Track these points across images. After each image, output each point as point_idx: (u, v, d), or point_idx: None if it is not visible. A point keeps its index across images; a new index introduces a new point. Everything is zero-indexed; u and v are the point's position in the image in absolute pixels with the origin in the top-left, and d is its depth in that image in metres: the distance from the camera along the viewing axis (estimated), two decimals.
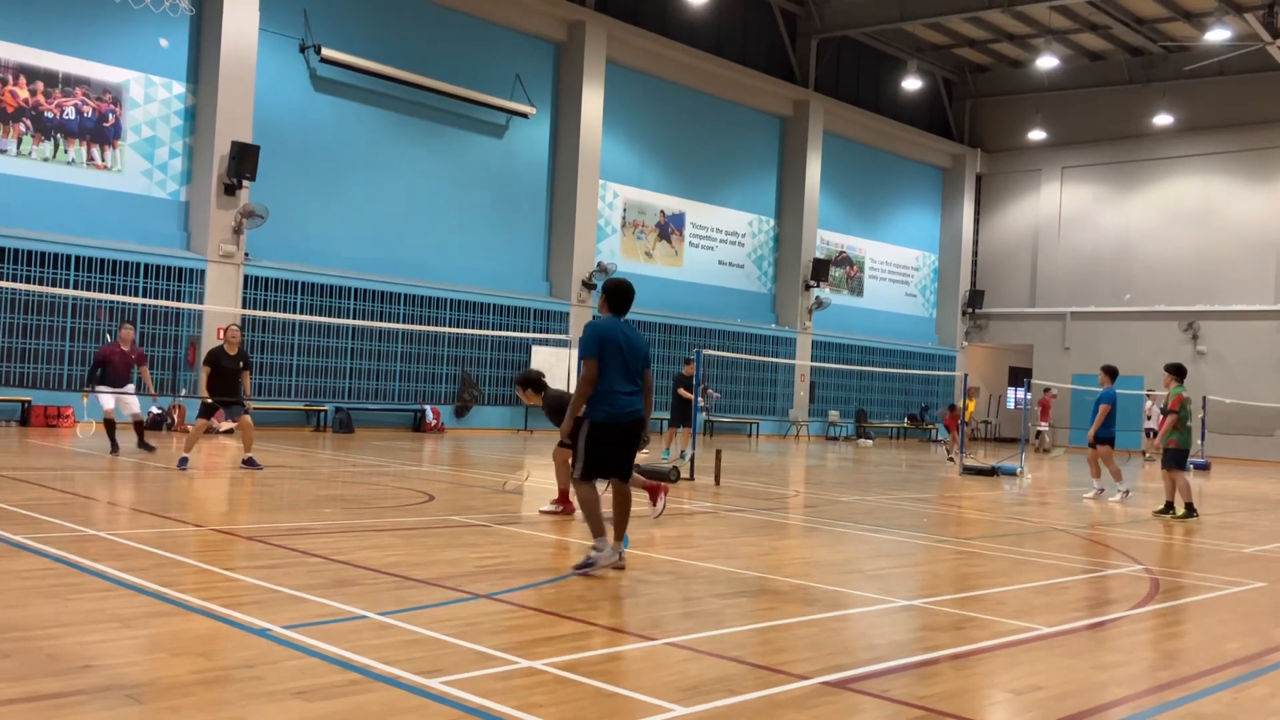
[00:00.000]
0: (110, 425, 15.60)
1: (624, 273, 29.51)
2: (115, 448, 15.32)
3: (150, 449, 15.57)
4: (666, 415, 21.10)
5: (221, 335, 15.27)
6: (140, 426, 15.78)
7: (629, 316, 7.99)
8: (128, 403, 15.60)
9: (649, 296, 30.18)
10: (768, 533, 10.68)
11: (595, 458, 7.66)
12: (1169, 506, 13.82)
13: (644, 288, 30.45)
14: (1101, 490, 16.24)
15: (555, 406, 10.76)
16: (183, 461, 13.37)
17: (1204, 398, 30.23)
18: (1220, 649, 6.39)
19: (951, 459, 27.64)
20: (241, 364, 13.93)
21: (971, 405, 29.21)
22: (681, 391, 20.30)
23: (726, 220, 32.98)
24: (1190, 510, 13.66)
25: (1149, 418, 30.81)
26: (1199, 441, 28.54)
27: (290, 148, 23.31)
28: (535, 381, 11.16)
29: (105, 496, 10.76)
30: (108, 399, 15.56)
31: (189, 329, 21.90)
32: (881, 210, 38.51)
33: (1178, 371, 14.28)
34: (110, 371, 15.36)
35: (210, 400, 13.85)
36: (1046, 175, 39.35)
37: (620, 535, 7.86)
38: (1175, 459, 13.93)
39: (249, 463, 13.81)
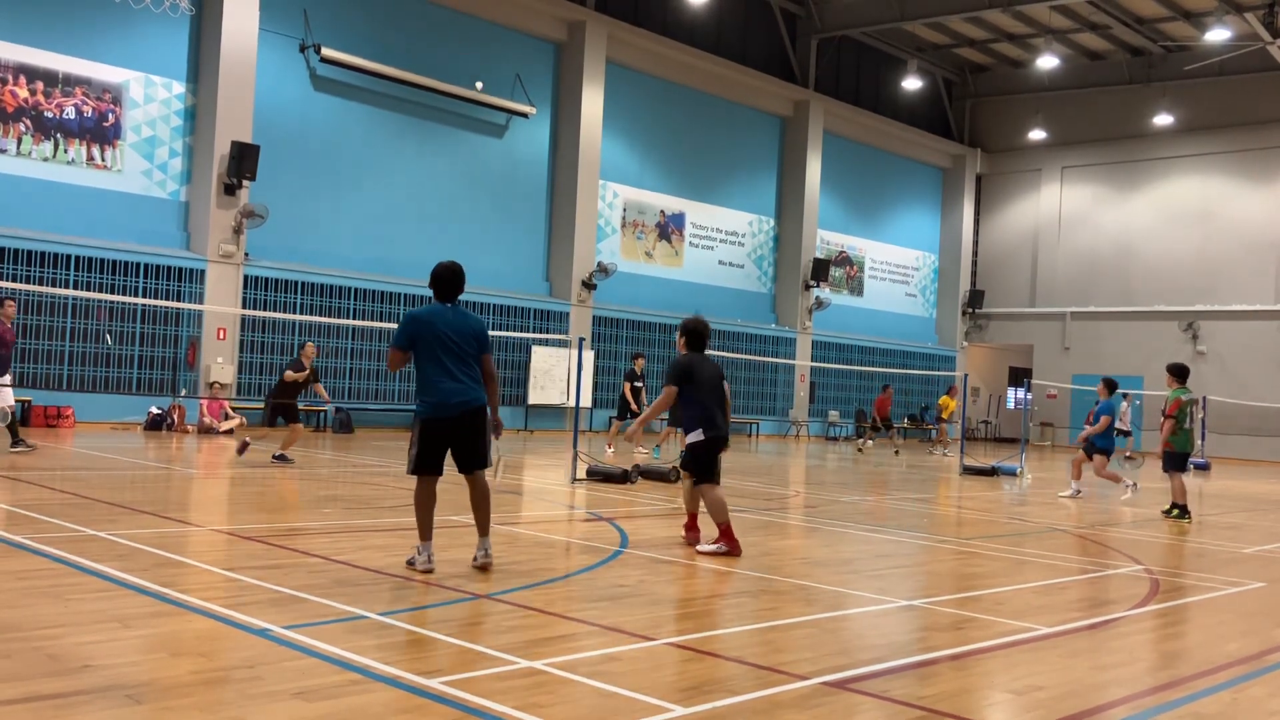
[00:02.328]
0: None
1: (624, 273, 29.54)
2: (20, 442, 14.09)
3: (31, 448, 14.19)
4: (666, 415, 21.08)
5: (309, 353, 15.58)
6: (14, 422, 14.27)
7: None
8: (6, 393, 14.17)
9: (649, 297, 30.21)
10: (768, 533, 10.68)
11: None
12: (1174, 507, 13.76)
13: (644, 288, 30.81)
14: (1079, 492, 16.17)
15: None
16: (281, 456, 14.75)
17: (1204, 398, 30.22)
18: (1220, 649, 6.39)
19: (860, 450, 27.82)
20: (313, 377, 15.37)
21: (952, 404, 29.23)
22: None
23: (726, 220, 32.98)
24: (1183, 511, 13.59)
25: (1121, 419, 30.87)
26: (1199, 441, 28.56)
27: (290, 148, 23.30)
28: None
29: (105, 496, 10.76)
30: (7, 391, 14.18)
31: (189, 329, 21.90)
32: (881, 210, 38.51)
33: (1178, 373, 14.17)
34: (5, 354, 13.96)
35: (281, 403, 15.06)
36: (1046, 175, 39.34)
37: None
38: (1171, 461, 13.88)
39: (280, 458, 14.76)
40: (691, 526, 9.32)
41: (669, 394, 9.01)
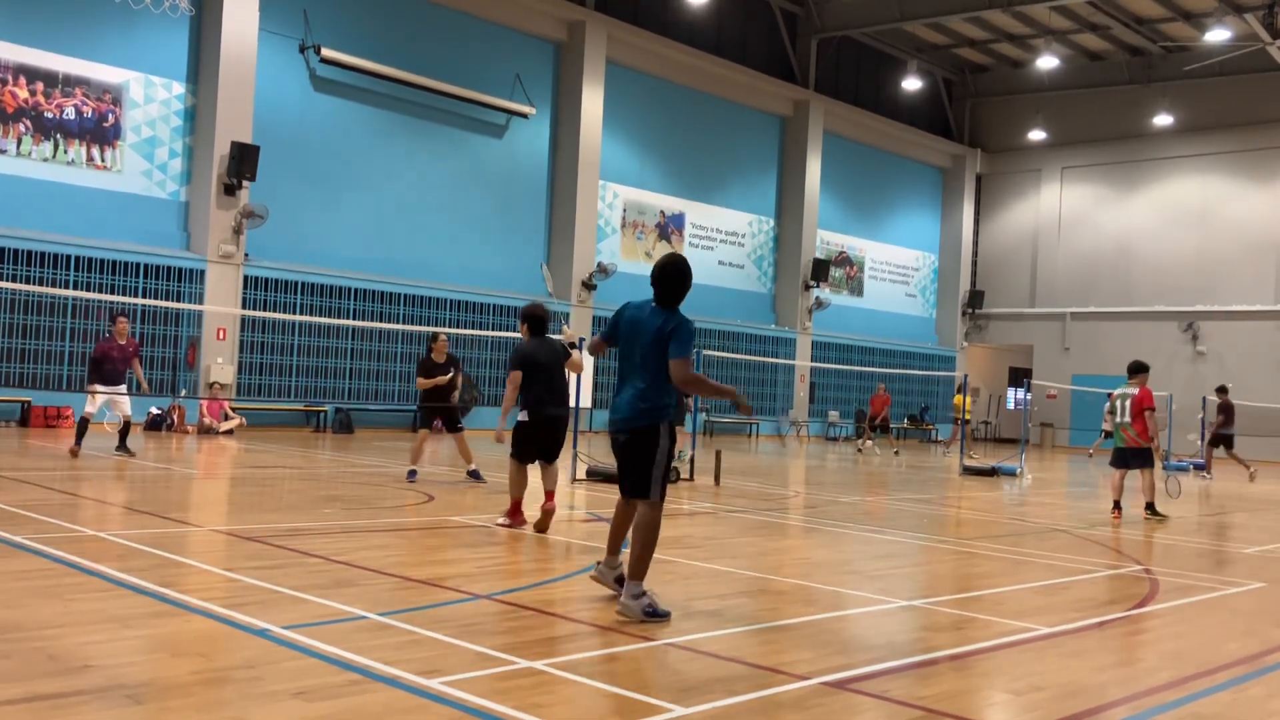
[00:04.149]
0: (85, 425, 14.61)
1: (624, 273, 29.45)
2: (77, 450, 14.26)
3: (130, 453, 14.85)
4: None
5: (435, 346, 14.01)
6: (126, 429, 15.05)
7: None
8: (120, 403, 14.93)
9: (648, 297, 30.15)
10: (768, 533, 10.68)
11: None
12: (1149, 505, 13.53)
13: (644, 288, 30.46)
14: None
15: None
16: (411, 474, 13.17)
17: (1203, 398, 30.20)
18: (1220, 649, 6.38)
19: (860, 450, 27.74)
20: (452, 371, 13.59)
21: (966, 401, 29.17)
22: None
23: (726, 220, 32.98)
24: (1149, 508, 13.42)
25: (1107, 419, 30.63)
26: (1200, 442, 28.54)
27: (290, 148, 23.30)
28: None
29: (105, 497, 10.76)
30: (99, 398, 14.79)
31: (189, 329, 21.90)
32: (881, 210, 38.51)
33: (1129, 369, 13.92)
34: (109, 368, 14.74)
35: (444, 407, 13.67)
36: (1046, 175, 39.34)
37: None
38: (1113, 457, 13.75)
39: (473, 474, 13.33)
40: (515, 512, 9.56)
41: (515, 379, 9.49)
